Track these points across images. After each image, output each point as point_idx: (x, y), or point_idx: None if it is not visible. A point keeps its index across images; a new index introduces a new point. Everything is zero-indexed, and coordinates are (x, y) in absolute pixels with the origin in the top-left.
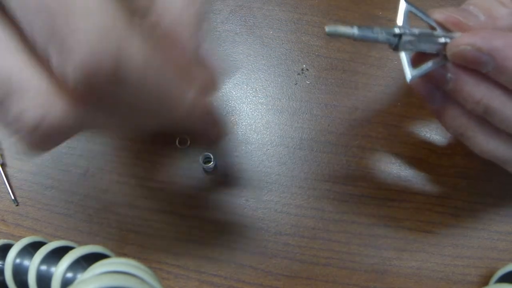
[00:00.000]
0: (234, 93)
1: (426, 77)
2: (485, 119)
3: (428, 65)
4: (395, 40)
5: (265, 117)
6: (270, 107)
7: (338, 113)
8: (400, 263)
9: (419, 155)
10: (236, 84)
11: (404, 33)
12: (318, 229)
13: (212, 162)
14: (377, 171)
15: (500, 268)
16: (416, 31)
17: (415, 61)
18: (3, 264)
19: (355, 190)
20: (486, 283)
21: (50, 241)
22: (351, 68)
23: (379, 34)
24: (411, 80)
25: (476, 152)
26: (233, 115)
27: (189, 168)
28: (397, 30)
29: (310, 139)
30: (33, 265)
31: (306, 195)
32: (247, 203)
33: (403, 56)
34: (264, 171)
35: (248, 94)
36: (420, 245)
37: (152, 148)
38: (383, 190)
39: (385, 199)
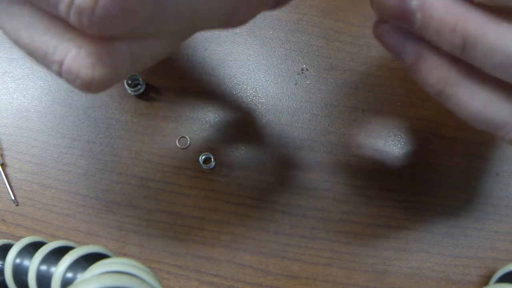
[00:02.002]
0: (234, 93)
1: (392, 20)
2: (468, 68)
3: None
4: None
5: (265, 117)
6: (270, 107)
7: (338, 113)
8: (400, 263)
9: (419, 155)
10: (236, 84)
11: None
12: (318, 229)
13: (211, 162)
14: (377, 171)
15: (500, 268)
16: None
17: None
18: (3, 264)
19: (355, 190)
20: (486, 283)
21: (50, 241)
22: (351, 68)
23: None
24: None
25: (462, 116)
26: (232, 115)
27: (189, 168)
28: None
29: (310, 139)
30: (33, 265)
31: (306, 195)
32: (247, 203)
33: None
34: (264, 171)
35: (248, 94)
36: (420, 245)
37: (152, 148)
38: (383, 190)
39: (385, 199)
